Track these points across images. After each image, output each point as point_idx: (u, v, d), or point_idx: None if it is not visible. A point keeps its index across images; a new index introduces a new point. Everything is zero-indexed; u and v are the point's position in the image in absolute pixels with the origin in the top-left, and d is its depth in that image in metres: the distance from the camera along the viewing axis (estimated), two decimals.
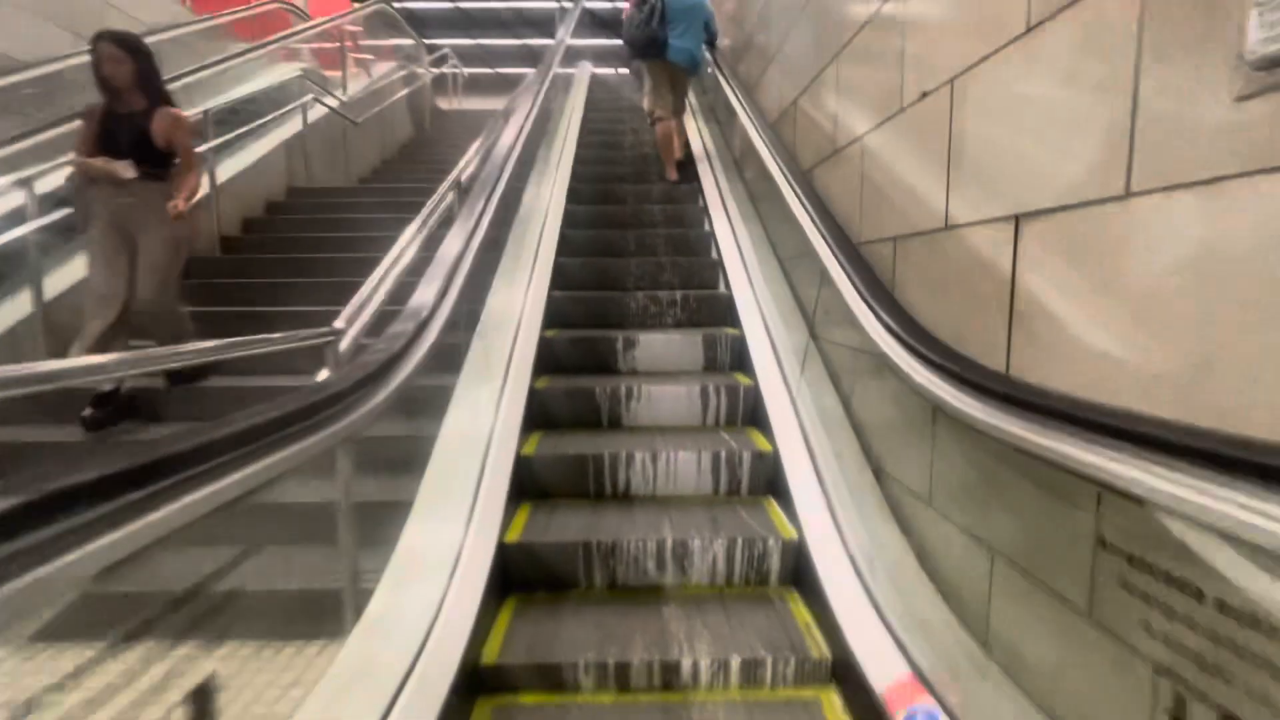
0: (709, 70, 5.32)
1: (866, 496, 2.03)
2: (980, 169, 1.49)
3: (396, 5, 9.90)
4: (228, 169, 4.33)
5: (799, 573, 2.14)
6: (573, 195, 4.59)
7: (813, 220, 2.37)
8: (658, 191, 4.85)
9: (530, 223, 3.98)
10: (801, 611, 2.04)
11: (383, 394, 1.54)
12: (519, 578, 2.16)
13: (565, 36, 5.97)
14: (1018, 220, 1.33)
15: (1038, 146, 1.28)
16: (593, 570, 2.15)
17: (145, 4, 5.00)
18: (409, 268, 2.32)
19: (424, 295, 2.05)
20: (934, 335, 1.63)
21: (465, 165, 3.11)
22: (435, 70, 9.35)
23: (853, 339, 2.21)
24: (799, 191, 2.58)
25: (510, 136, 3.39)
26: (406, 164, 6.73)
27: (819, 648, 1.84)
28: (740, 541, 2.15)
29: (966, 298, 1.53)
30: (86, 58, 3.87)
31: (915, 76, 1.80)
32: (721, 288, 3.70)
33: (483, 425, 2.46)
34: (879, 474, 2.04)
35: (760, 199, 3.77)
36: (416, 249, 2.45)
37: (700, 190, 4.76)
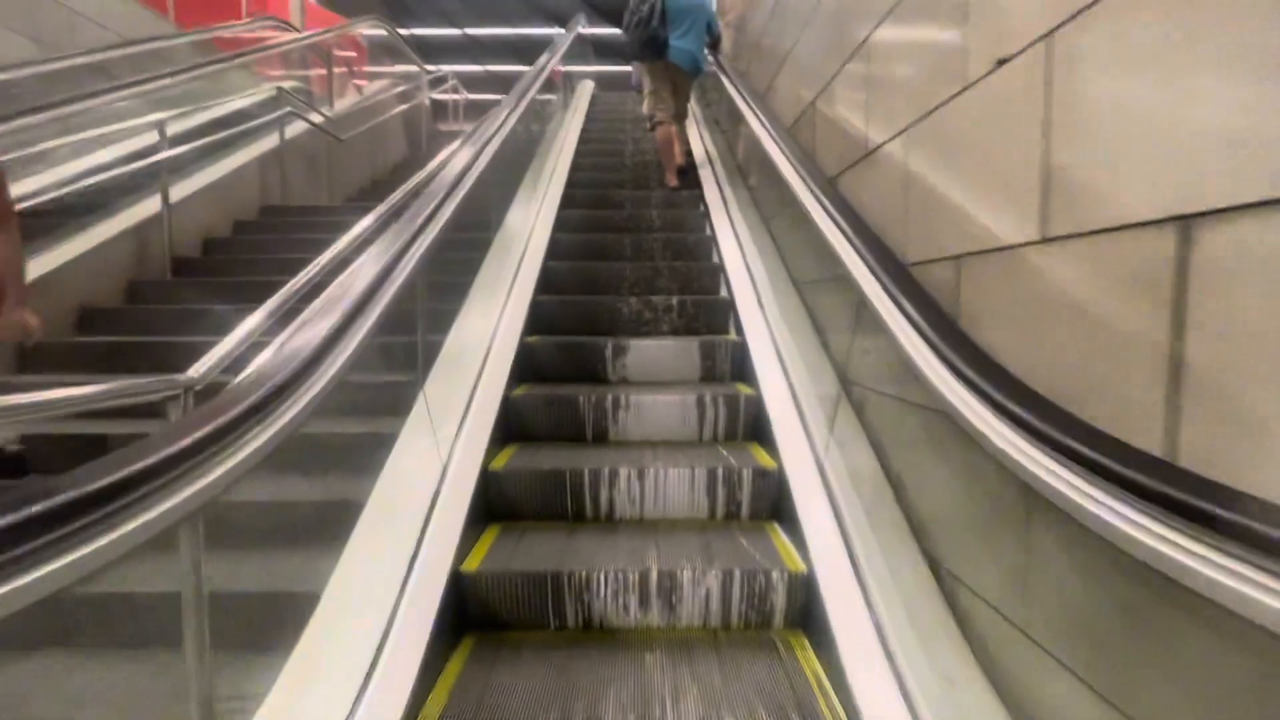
0: (710, 68, 5.07)
1: (901, 558, 1.63)
2: (1105, 152, 1.03)
3: (403, 31, 9.78)
4: (186, 186, 3.98)
5: (808, 612, 1.80)
6: (567, 200, 4.34)
7: (846, 236, 1.86)
8: (657, 197, 4.59)
9: (519, 225, 3.71)
10: (810, 661, 1.70)
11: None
12: (478, 614, 1.83)
13: (551, 62, 5.60)
14: (1185, 224, 0.88)
15: (1221, 102, 0.83)
16: (564, 606, 1.82)
17: (117, 14, 4.78)
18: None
19: (304, 337, 1.37)
20: (1030, 389, 1.15)
21: (430, 176, 2.83)
22: (436, 95, 9.17)
23: (891, 384, 1.76)
24: (825, 202, 2.07)
25: (476, 147, 3.05)
26: (399, 184, 6.48)
27: (833, 712, 1.50)
28: (738, 574, 1.81)
29: (1086, 339, 1.07)
30: (49, 65, 3.63)
31: (985, 41, 1.38)
32: (722, 292, 3.41)
33: (444, 436, 2.14)
34: (927, 544, 1.58)
35: (772, 216, 3.33)
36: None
37: (702, 197, 4.50)
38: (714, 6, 5.07)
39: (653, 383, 2.84)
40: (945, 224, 1.55)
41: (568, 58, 7.31)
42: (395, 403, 2.14)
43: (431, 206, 2.05)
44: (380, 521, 1.73)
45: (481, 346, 2.66)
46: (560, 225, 3.98)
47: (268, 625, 1.46)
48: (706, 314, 3.22)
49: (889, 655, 1.50)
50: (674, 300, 3.22)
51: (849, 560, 1.75)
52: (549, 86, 6.10)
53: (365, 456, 1.89)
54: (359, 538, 1.62)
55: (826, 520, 1.89)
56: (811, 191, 2.24)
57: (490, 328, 2.80)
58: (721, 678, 1.62)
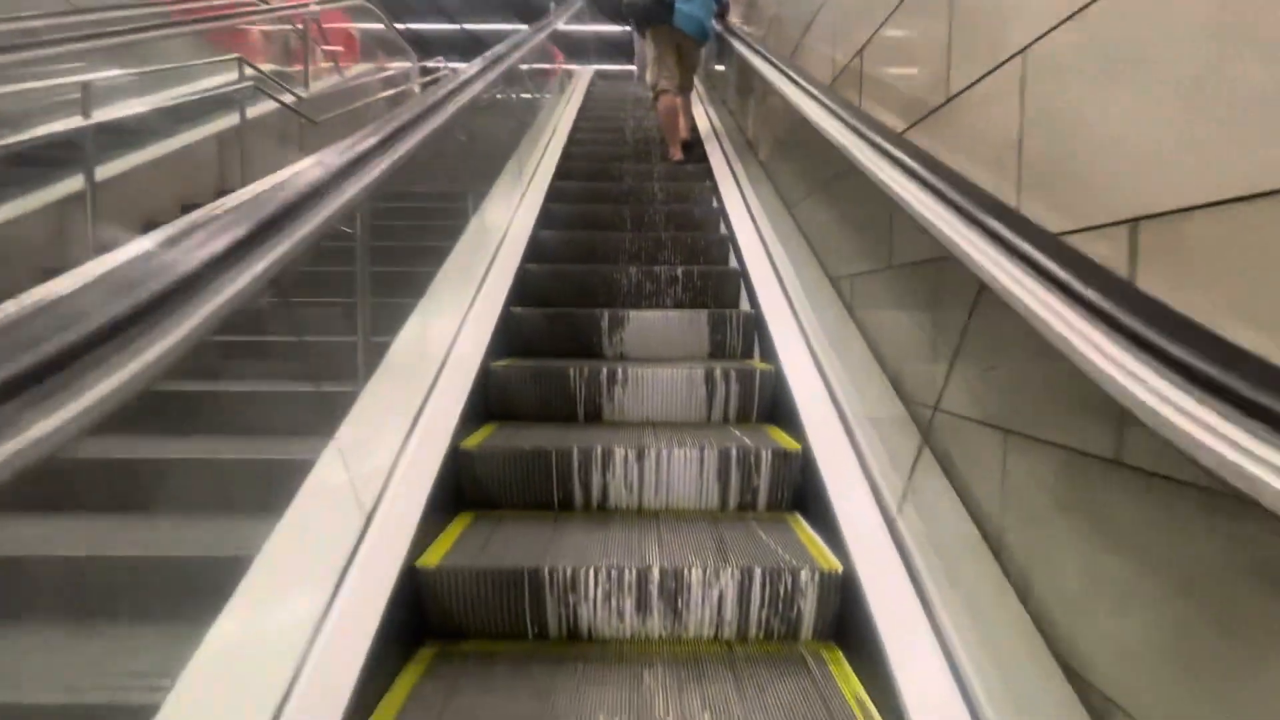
0: (716, 64, 4.72)
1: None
2: None
3: (400, 26, 9.44)
4: (122, 162, 3.55)
5: (845, 621, 1.47)
6: (562, 173, 4.03)
7: (949, 201, 1.21)
8: (660, 171, 4.27)
9: (507, 193, 3.39)
10: (849, 680, 1.36)
11: None
12: (438, 620, 1.49)
13: (509, 52, 4.84)
14: None
15: None
16: (544, 611, 1.48)
17: None
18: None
19: None
20: None
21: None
22: (426, 83, 8.82)
23: (1005, 399, 1.23)
24: (910, 160, 1.40)
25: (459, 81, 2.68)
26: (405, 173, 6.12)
27: None
28: (759, 574, 1.47)
29: None
30: None
31: None
32: (732, 263, 3.08)
33: (407, 407, 1.81)
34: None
35: (799, 199, 2.82)
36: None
37: (710, 172, 4.18)
38: None
39: (655, 359, 2.50)
40: (1105, 177, 1.04)
41: (566, 55, 6.99)
42: (342, 369, 1.81)
43: (391, 129, 1.72)
44: (314, 507, 1.39)
45: (457, 313, 2.33)
46: (554, 196, 3.66)
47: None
48: (716, 286, 2.89)
49: (958, 676, 1.17)
50: (679, 271, 2.89)
51: (899, 558, 1.41)
52: (544, 64, 5.78)
53: (304, 430, 1.56)
54: (283, 533, 1.28)
55: (867, 509, 1.55)
56: (881, 149, 1.56)
57: (469, 295, 2.47)
58: (740, 703, 1.28)
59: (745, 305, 2.76)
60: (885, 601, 1.34)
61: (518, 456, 1.84)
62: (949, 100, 1.56)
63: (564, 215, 3.51)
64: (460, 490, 1.85)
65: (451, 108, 2.27)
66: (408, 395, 1.85)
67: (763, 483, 1.83)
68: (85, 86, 3.04)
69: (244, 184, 4.22)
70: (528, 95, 4.91)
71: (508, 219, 3.16)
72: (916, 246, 1.59)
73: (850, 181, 2.10)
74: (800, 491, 1.84)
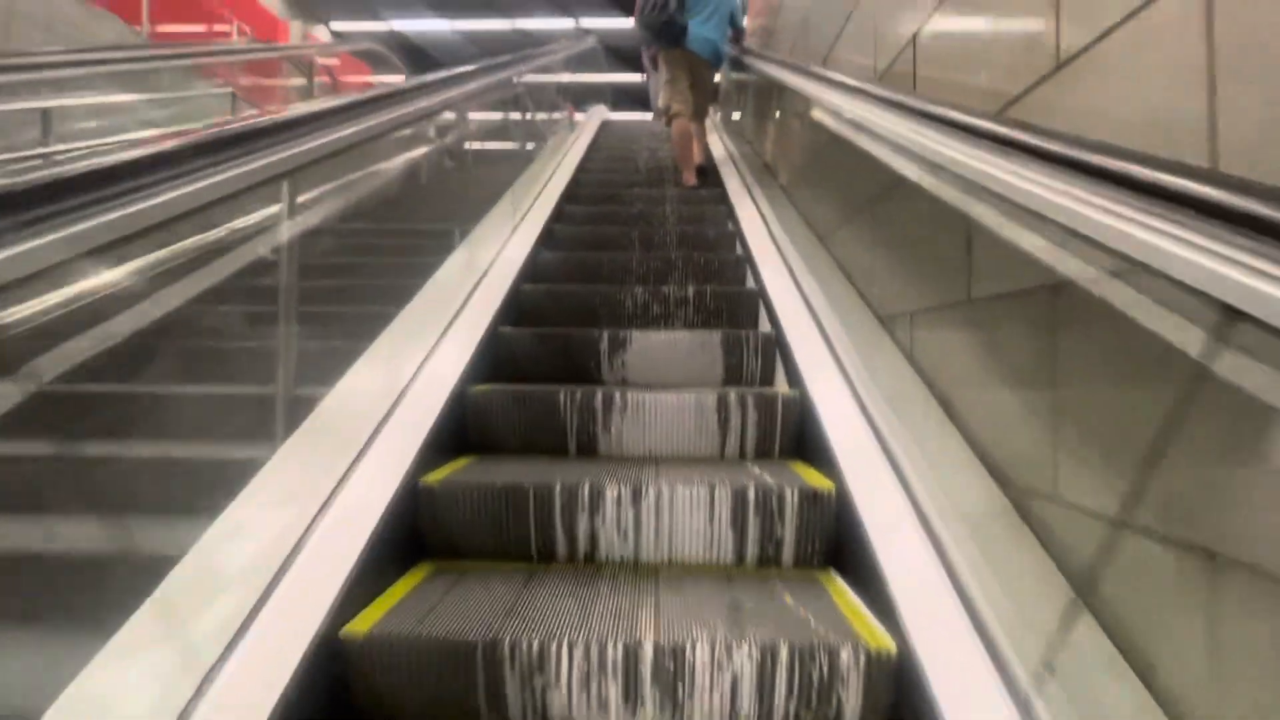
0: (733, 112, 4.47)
1: None
2: None
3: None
4: None
5: None
6: (569, 196, 3.81)
7: (1115, 179, 0.82)
8: (672, 194, 4.03)
9: (507, 213, 3.15)
10: None
11: None
12: (370, 707, 1.15)
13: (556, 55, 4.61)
14: None
15: None
16: (504, 700, 1.13)
17: (68, 19, 4.32)
18: None
19: None
20: None
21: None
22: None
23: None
24: (1029, 139, 1.00)
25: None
26: (375, 202, 6.00)
27: None
28: (785, 654, 1.12)
29: None
30: None
31: None
32: (750, 283, 2.78)
33: (353, 435, 1.50)
34: None
35: (835, 226, 2.47)
36: None
37: (725, 198, 3.92)
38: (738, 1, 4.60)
39: (660, 384, 2.18)
40: None
41: (579, 102, 6.90)
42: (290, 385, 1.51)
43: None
44: (207, 562, 1.07)
45: (432, 333, 2.04)
46: (557, 218, 3.42)
47: None
48: (731, 308, 2.58)
49: None
50: (690, 291, 2.59)
51: (974, 632, 1.05)
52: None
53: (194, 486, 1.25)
54: (140, 621, 0.96)
55: (926, 566, 1.20)
56: (978, 131, 1.16)
57: (450, 311, 2.18)
58: None
59: (765, 326, 2.45)
60: (959, 698, 0.98)
61: (489, 495, 1.51)
62: (1061, 67, 1.14)
63: (568, 236, 3.26)
64: (419, 536, 1.52)
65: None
66: (358, 422, 1.54)
67: (788, 531, 1.48)
68: (44, 114, 2.92)
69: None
70: (531, 133, 4.77)
71: (504, 237, 2.91)
72: (1021, 270, 1.20)
73: (901, 199, 1.78)
74: (835, 543, 1.49)
